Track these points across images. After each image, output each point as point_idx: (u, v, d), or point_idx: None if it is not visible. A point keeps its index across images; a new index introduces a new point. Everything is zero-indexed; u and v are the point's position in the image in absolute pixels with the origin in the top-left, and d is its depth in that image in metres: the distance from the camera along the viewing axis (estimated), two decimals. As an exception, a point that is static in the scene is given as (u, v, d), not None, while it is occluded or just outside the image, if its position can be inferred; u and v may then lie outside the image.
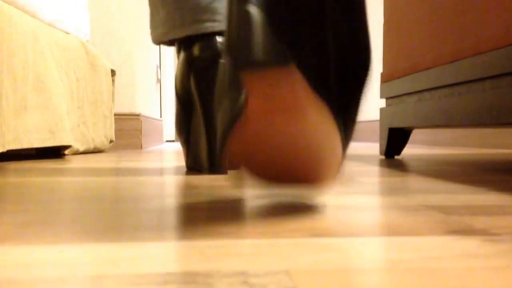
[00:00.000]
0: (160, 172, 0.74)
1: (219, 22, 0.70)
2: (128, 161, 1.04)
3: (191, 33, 0.71)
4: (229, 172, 0.38)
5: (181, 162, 0.99)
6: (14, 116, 0.98)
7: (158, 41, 0.77)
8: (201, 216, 0.35)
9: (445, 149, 1.64)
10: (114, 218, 0.34)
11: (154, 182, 0.59)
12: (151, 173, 0.72)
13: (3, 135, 0.92)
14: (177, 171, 0.76)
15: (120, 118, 1.77)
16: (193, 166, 0.76)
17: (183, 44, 0.74)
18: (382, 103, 2.67)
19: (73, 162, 1.00)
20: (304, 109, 0.32)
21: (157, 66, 2.38)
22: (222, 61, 0.55)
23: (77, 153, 1.32)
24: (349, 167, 0.81)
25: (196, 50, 0.71)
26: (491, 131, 1.66)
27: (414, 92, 0.94)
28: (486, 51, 0.67)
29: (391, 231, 0.29)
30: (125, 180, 0.62)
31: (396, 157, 1.12)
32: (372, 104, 2.86)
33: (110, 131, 1.59)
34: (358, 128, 3.03)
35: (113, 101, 1.64)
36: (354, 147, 1.83)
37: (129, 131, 1.77)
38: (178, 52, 0.77)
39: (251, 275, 0.21)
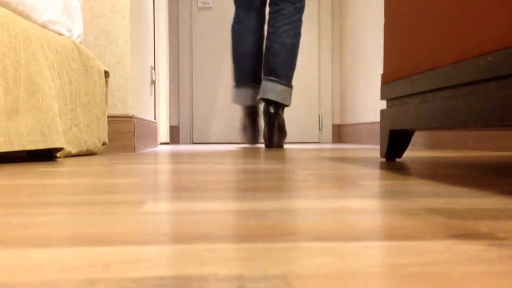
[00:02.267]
0: (154, 173, 0.74)
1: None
2: (121, 163, 1.04)
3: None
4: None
5: (175, 163, 0.99)
6: (5, 118, 0.97)
7: None
8: (196, 219, 0.34)
9: (448, 151, 1.64)
10: (106, 221, 0.34)
11: (147, 184, 0.59)
12: (144, 175, 0.71)
13: (-6, 137, 0.91)
14: (171, 172, 0.75)
15: (113, 120, 1.76)
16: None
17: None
18: (382, 104, 2.67)
19: (65, 165, 0.99)
20: None
21: (151, 68, 2.37)
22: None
23: (69, 155, 1.31)
24: (349, 170, 0.80)
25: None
26: (496, 133, 1.65)
27: (416, 94, 0.92)
28: (491, 52, 0.66)
29: (392, 235, 0.29)
30: (118, 182, 0.62)
31: (397, 159, 1.11)
32: (371, 106, 2.85)
33: (103, 133, 1.58)
34: (358, 130, 3.03)
35: (106, 102, 1.63)
36: (354, 149, 1.83)
37: (122, 133, 1.76)
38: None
39: (248, 279, 0.20)
